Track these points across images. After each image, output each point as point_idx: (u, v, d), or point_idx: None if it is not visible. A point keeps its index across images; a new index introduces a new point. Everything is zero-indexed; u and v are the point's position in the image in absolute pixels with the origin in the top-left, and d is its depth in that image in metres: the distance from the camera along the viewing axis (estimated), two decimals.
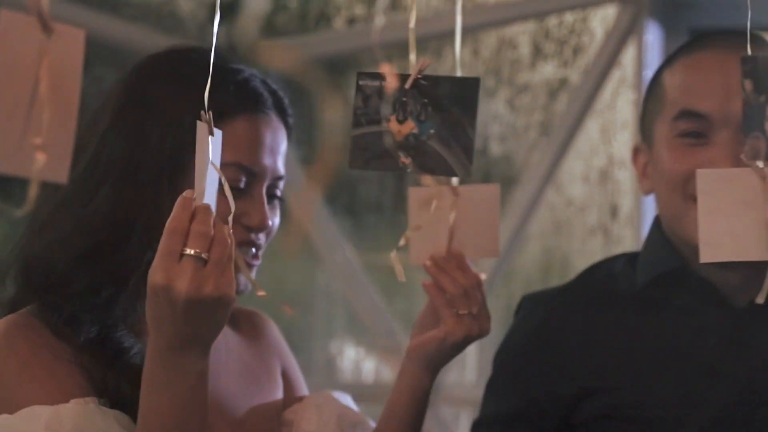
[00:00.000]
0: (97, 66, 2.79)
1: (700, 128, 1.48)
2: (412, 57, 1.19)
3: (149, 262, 1.10)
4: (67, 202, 1.29)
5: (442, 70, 3.21)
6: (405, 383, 1.46)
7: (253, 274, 1.37)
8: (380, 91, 1.16)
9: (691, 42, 1.61)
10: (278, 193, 1.41)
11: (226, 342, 1.46)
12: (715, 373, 1.53)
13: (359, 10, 3.26)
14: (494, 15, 3.17)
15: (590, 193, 3.13)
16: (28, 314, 1.30)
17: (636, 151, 1.61)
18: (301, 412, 1.52)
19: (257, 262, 1.38)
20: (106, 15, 3.29)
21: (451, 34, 3.07)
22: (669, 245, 1.57)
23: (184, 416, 1.17)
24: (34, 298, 1.30)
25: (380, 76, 1.16)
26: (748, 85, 1.18)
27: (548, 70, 3.16)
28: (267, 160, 1.36)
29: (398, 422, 1.45)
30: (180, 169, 1.27)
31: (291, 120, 1.43)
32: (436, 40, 3.17)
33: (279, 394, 1.53)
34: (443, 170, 1.18)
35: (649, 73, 2.42)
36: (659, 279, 1.55)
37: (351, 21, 3.30)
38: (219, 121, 1.15)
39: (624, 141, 2.97)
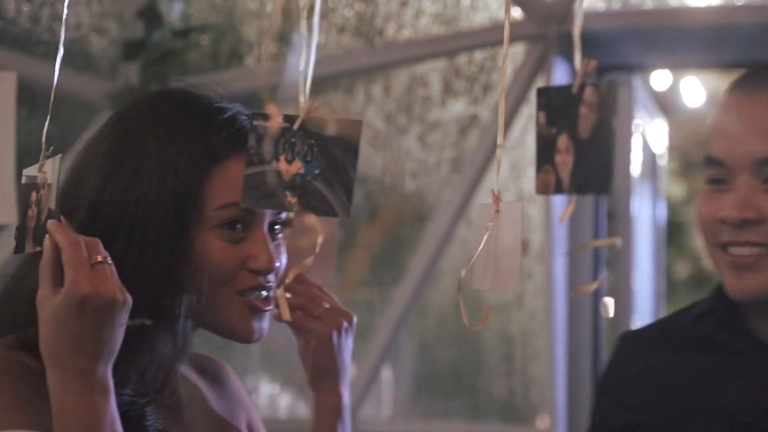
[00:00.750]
0: None
1: (719, 174, 1.46)
2: (302, 98, 1.20)
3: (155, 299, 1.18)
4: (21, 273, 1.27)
5: (354, 107, 3.26)
6: (324, 405, 1.43)
7: (266, 321, 1.32)
8: (271, 131, 1.14)
9: (726, 91, 1.56)
10: (280, 231, 1.35)
11: (193, 392, 1.41)
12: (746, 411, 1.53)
13: (271, 47, 3.10)
14: (405, 53, 3.20)
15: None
16: (13, 343, 1.26)
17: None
18: None
19: (270, 307, 1.31)
20: (17, 53, 3.28)
21: (362, 71, 3.17)
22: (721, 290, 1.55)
23: (88, 423, 1.15)
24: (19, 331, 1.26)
25: (266, 117, 1.12)
26: (542, 117, 1.16)
27: (459, 107, 3.19)
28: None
29: None
30: (186, 214, 1.25)
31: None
32: (347, 78, 3.22)
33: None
34: (325, 210, 1.13)
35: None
36: (710, 317, 1.56)
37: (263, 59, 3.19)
38: (212, 163, 1.20)
39: (533, 177, 2.88)
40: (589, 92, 1.06)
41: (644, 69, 3.83)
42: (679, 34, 3.24)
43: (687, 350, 1.57)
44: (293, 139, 1.11)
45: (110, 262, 1.10)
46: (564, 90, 1.12)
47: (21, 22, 3.27)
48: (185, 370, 1.42)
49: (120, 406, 1.20)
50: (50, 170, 1.18)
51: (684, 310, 1.65)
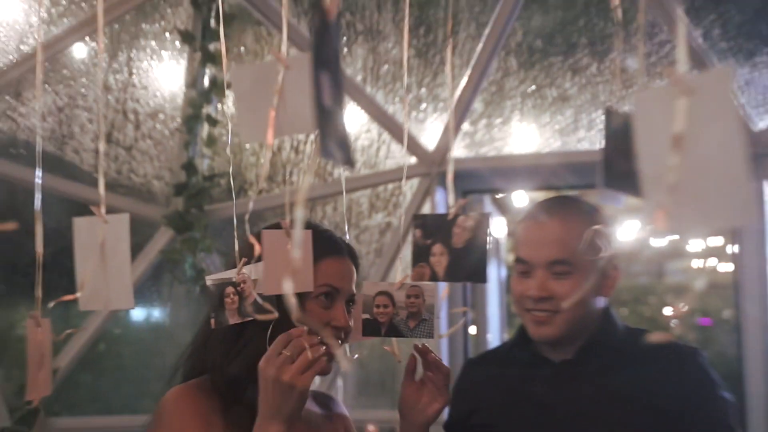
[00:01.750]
0: None
1: (525, 268, 1.87)
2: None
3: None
4: (217, 337, 1.64)
5: (314, 219, 3.80)
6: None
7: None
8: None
9: (525, 215, 1.96)
10: (353, 303, 1.70)
11: (308, 414, 1.75)
12: (543, 407, 1.89)
13: (265, 184, 3.80)
14: (346, 186, 3.55)
15: None
16: (196, 385, 1.62)
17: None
18: None
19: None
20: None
21: (319, 197, 3.72)
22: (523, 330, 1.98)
23: None
24: (212, 377, 1.61)
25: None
26: (418, 233, 1.57)
27: (378, 217, 3.74)
28: (345, 284, 1.67)
29: None
30: (298, 297, 1.41)
31: (358, 261, 1.76)
32: (311, 202, 3.71)
33: None
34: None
35: None
36: (516, 345, 2.01)
37: (260, 192, 3.84)
38: (317, 261, 1.56)
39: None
40: (462, 219, 1.48)
41: (491, 191, 4.19)
42: (510, 170, 3.69)
43: (504, 366, 2.02)
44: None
45: (292, 356, 1.41)
46: (439, 217, 1.52)
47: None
48: (311, 407, 1.82)
49: (252, 404, 1.55)
50: (252, 271, 1.52)
51: (503, 344, 2.14)
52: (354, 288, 1.72)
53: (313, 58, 0.89)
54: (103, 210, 1.37)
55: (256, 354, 1.49)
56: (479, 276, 1.52)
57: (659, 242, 9.37)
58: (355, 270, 1.73)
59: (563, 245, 1.83)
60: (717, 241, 9.32)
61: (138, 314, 4.18)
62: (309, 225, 1.73)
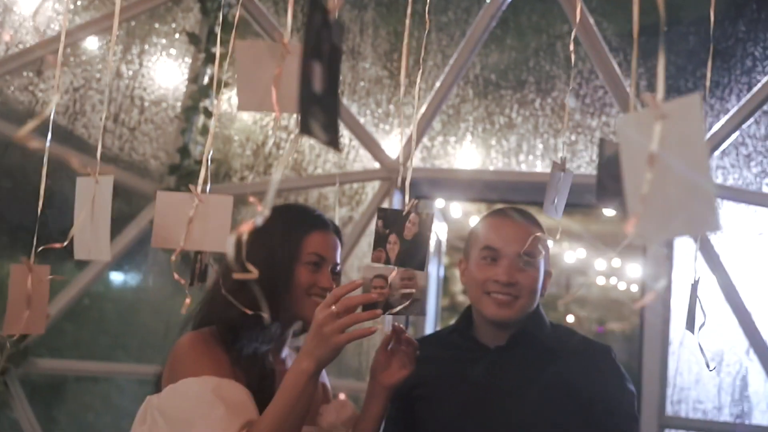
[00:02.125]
0: None
1: (493, 255, 1.97)
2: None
3: (280, 313, 1.67)
4: (232, 286, 1.68)
5: None
6: (379, 407, 1.82)
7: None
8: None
9: (490, 214, 2.07)
10: (337, 270, 1.84)
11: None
12: (471, 385, 1.99)
13: (247, 172, 4.03)
14: (317, 181, 4.01)
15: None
16: (207, 332, 1.73)
17: (460, 262, 2.08)
18: (326, 409, 1.93)
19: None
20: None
21: (294, 189, 4.06)
22: (468, 315, 2.08)
23: (295, 398, 1.58)
24: (216, 325, 1.73)
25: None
26: (380, 223, 1.63)
27: (343, 212, 3.97)
28: (330, 254, 1.83)
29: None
30: (290, 262, 1.77)
31: (341, 235, 1.91)
32: (286, 193, 3.97)
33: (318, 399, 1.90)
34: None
35: None
36: (456, 331, 2.10)
37: (242, 179, 4.06)
38: (306, 233, 1.77)
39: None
40: (413, 216, 1.59)
41: (436, 198, 4.40)
42: (454, 182, 3.87)
43: (444, 348, 2.10)
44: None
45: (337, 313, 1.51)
46: (397, 212, 1.62)
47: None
48: (290, 358, 1.94)
49: (256, 348, 1.73)
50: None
51: (445, 327, 2.19)
52: (338, 258, 1.87)
53: (304, 46, 0.90)
54: (96, 172, 1.47)
55: (250, 305, 1.59)
56: (420, 265, 1.61)
57: (570, 259, 9.77)
58: (339, 243, 1.89)
59: (528, 239, 1.97)
60: (617, 263, 9.71)
61: (124, 276, 4.40)
62: (300, 206, 1.98)
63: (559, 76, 3.63)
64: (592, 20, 3.45)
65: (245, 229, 0.94)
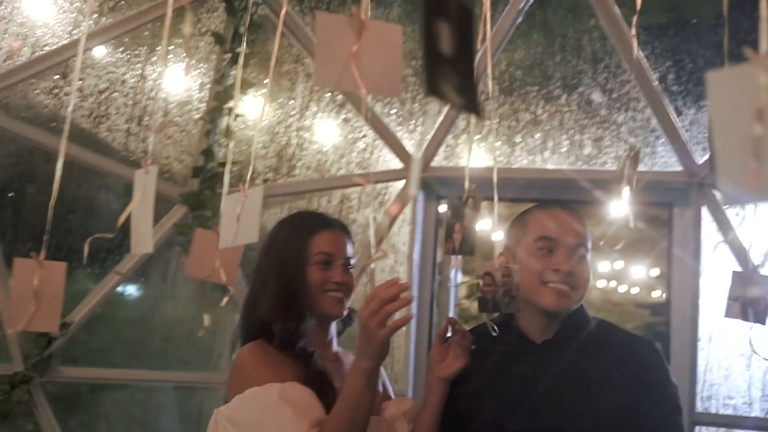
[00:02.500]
0: None
1: (550, 245, 1.99)
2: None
3: (299, 316, 1.84)
4: (255, 294, 1.96)
5: (311, 208, 3.96)
6: (437, 398, 1.96)
7: (341, 309, 1.96)
8: None
9: (540, 206, 2.07)
10: (351, 264, 1.98)
11: (339, 364, 2.02)
12: (518, 380, 1.99)
13: (270, 175, 4.05)
14: (339, 182, 3.92)
15: (385, 278, 3.81)
16: (260, 341, 1.91)
17: (499, 256, 2.02)
18: (388, 404, 2.06)
19: (342, 303, 1.97)
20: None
21: (317, 190, 4.12)
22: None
23: (359, 396, 1.71)
24: (263, 335, 1.91)
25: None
26: (449, 214, 1.71)
27: (367, 212, 3.93)
28: (338, 250, 1.97)
29: (435, 428, 1.97)
30: (299, 271, 1.93)
31: (349, 231, 2.06)
32: (308, 194, 3.99)
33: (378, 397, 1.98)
34: None
35: (419, 216, 3.76)
36: (499, 325, 2.04)
37: (265, 181, 4.05)
38: (312, 234, 1.94)
39: (404, 251, 3.75)
40: (471, 202, 1.67)
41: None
42: (483, 180, 3.87)
43: (487, 342, 2.07)
44: None
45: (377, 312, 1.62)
46: (458, 199, 1.69)
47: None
48: (342, 355, 2.08)
49: (304, 347, 1.87)
50: None
51: (483, 324, 2.10)
52: (348, 252, 2.00)
53: (425, 4, 0.90)
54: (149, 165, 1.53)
55: (277, 312, 1.87)
56: (472, 250, 1.67)
57: None
58: (347, 239, 2.02)
59: (584, 233, 2.02)
60: (619, 265, 9.67)
61: (147, 282, 4.37)
62: (304, 212, 2.22)
63: (585, 71, 3.61)
64: (618, 12, 3.43)
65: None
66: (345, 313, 2.00)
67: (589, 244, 2.01)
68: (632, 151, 1.58)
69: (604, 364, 1.97)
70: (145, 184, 1.53)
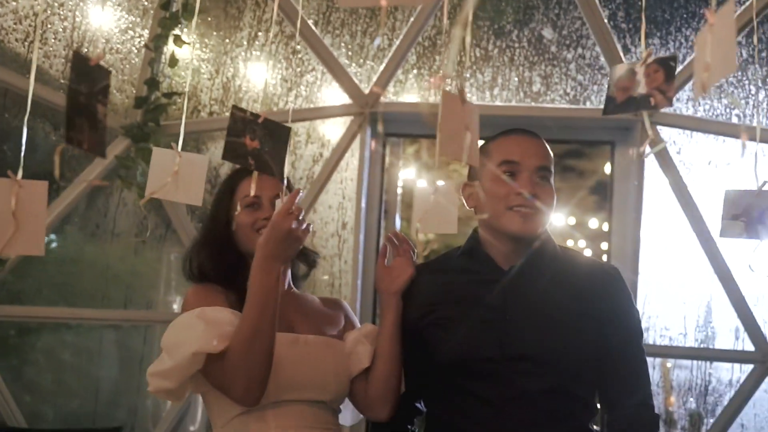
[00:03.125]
0: None
1: (513, 169, 1.99)
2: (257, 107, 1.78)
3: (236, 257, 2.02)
4: (199, 240, 2.14)
5: None
6: (393, 314, 2.06)
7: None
8: (245, 120, 1.69)
9: (503, 132, 2.09)
10: (278, 199, 1.96)
11: (304, 300, 2.15)
12: (486, 307, 1.99)
13: (216, 108, 4.03)
14: (284, 117, 3.31)
15: (332, 215, 3.88)
16: (205, 284, 2.04)
17: (464, 187, 2.07)
18: (351, 333, 2.15)
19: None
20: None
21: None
22: (476, 237, 2.08)
23: (265, 296, 1.83)
24: (203, 277, 2.07)
25: (246, 111, 1.69)
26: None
27: (314, 148, 3.91)
28: (262, 191, 2.03)
29: (395, 342, 2.05)
30: (230, 211, 2.08)
31: (271, 171, 1.90)
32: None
33: (339, 327, 2.14)
34: (266, 170, 1.75)
35: (366, 152, 3.77)
36: (465, 253, 2.10)
37: (210, 114, 3.96)
38: (237, 182, 2.08)
39: (351, 187, 3.78)
40: None
41: (410, 135, 4.43)
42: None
43: (453, 271, 2.10)
44: (255, 128, 1.69)
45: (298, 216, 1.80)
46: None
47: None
48: (307, 294, 2.20)
49: (239, 283, 1.97)
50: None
51: (454, 249, 2.17)
52: (275, 189, 2.01)
53: None
54: None
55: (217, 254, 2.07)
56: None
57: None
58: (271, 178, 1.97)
59: (547, 155, 2.02)
60: (572, 221, 9.85)
61: (86, 217, 4.23)
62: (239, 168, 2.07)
63: (537, 6, 3.62)
64: None
65: None
66: None
67: (552, 168, 2.01)
68: (648, 54, 1.54)
69: (571, 291, 1.99)
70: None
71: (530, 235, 1.98)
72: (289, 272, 2.12)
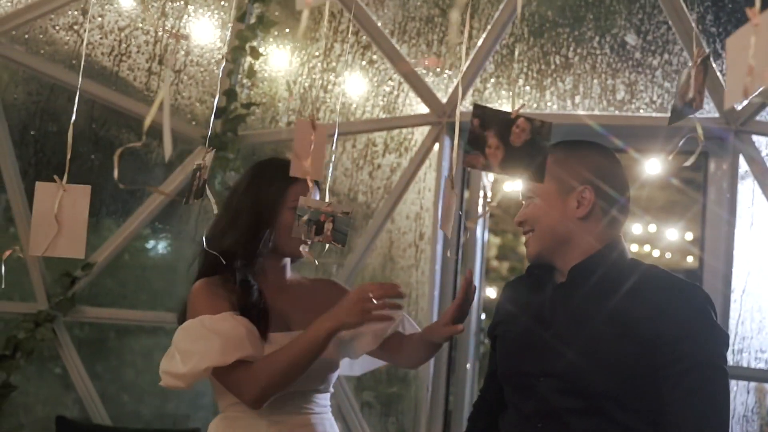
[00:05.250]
0: None
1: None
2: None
3: (258, 251, 2.01)
4: (222, 227, 2.11)
5: (337, 155, 3.83)
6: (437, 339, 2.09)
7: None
8: None
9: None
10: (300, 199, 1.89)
11: (300, 288, 2.22)
12: (535, 322, 1.99)
13: (294, 118, 4.04)
14: (365, 126, 3.93)
15: (410, 226, 3.84)
16: (210, 278, 2.07)
17: (583, 191, 1.94)
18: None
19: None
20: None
21: (342, 134, 4.13)
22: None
23: (315, 349, 1.93)
24: (215, 271, 2.07)
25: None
26: (476, 121, 1.50)
27: (392, 158, 3.91)
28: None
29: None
30: (276, 206, 2.09)
31: (320, 184, 2.11)
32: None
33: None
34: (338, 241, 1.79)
35: (445, 162, 3.74)
36: (534, 268, 2.06)
37: (289, 123, 4.01)
38: (292, 182, 2.04)
39: (429, 197, 3.73)
40: (522, 121, 1.43)
41: None
42: None
43: (525, 287, 2.09)
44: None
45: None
46: (498, 112, 1.46)
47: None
48: (297, 278, 2.24)
49: (246, 278, 2.05)
50: (208, 160, 1.79)
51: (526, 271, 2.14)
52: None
53: None
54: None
55: (234, 245, 2.04)
56: (538, 176, 1.46)
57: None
58: (318, 190, 2.09)
59: (525, 182, 1.98)
60: (653, 228, 9.45)
61: (170, 226, 4.33)
62: (282, 160, 2.15)
63: (619, 11, 3.44)
64: None
65: None
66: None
67: (533, 191, 1.94)
68: (700, 55, 1.39)
69: (618, 306, 1.83)
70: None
71: (534, 258, 1.98)
72: (288, 260, 2.19)
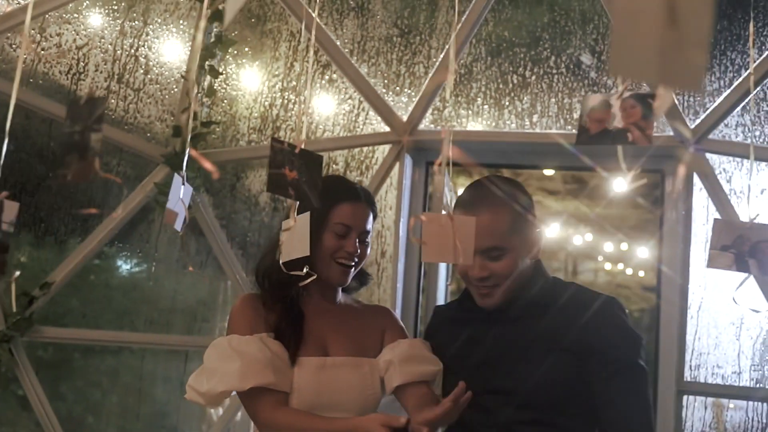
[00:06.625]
0: None
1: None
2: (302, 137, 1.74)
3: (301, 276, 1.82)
4: (270, 245, 2.14)
5: None
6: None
7: (348, 277, 2.09)
8: (283, 151, 1.64)
9: (458, 203, 2.14)
10: (367, 238, 2.09)
11: (342, 310, 2.18)
12: (472, 346, 2.11)
13: (255, 136, 3.97)
14: (326, 145, 3.85)
15: (371, 244, 3.90)
16: (252, 294, 2.12)
17: None
18: (385, 350, 2.17)
19: (350, 271, 2.08)
20: None
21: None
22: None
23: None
24: (260, 288, 2.12)
25: (283, 143, 1.65)
26: None
27: (353, 177, 3.82)
28: (357, 222, 2.06)
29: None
30: (318, 229, 1.99)
31: (374, 205, 2.13)
32: None
33: (375, 339, 2.17)
34: (305, 200, 1.69)
35: (406, 181, 3.66)
36: (464, 297, 2.21)
37: (249, 142, 4.00)
38: (334, 203, 2.01)
39: (390, 216, 3.69)
40: None
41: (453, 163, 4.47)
42: (470, 144, 3.63)
43: (457, 311, 2.26)
44: (293, 158, 1.65)
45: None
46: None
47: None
48: (349, 302, 2.22)
49: (292, 299, 2.05)
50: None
51: (455, 300, 2.34)
52: (368, 226, 2.06)
53: None
54: None
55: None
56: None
57: (577, 242, 9.64)
58: (370, 212, 2.09)
59: (494, 233, 1.98)
60: (625, 246, 9.54)
61: (128, 244, 4.29)
62: (335, 177, 2.20)
63: (574, 32, 3.48)
64: None
65: None
66: (349, 281, 2.10)
67: (507, 242, 2.01)
68: (626, 88, 1.44)
69: (549, 324, 2.00)
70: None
71: (491, 308, 2.08)
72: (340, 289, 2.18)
